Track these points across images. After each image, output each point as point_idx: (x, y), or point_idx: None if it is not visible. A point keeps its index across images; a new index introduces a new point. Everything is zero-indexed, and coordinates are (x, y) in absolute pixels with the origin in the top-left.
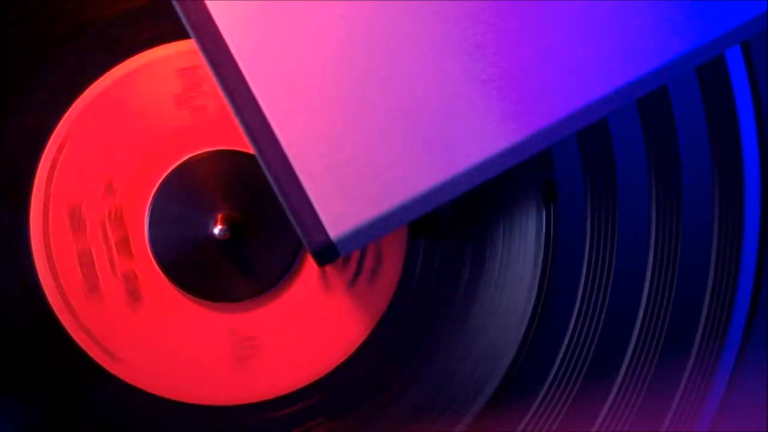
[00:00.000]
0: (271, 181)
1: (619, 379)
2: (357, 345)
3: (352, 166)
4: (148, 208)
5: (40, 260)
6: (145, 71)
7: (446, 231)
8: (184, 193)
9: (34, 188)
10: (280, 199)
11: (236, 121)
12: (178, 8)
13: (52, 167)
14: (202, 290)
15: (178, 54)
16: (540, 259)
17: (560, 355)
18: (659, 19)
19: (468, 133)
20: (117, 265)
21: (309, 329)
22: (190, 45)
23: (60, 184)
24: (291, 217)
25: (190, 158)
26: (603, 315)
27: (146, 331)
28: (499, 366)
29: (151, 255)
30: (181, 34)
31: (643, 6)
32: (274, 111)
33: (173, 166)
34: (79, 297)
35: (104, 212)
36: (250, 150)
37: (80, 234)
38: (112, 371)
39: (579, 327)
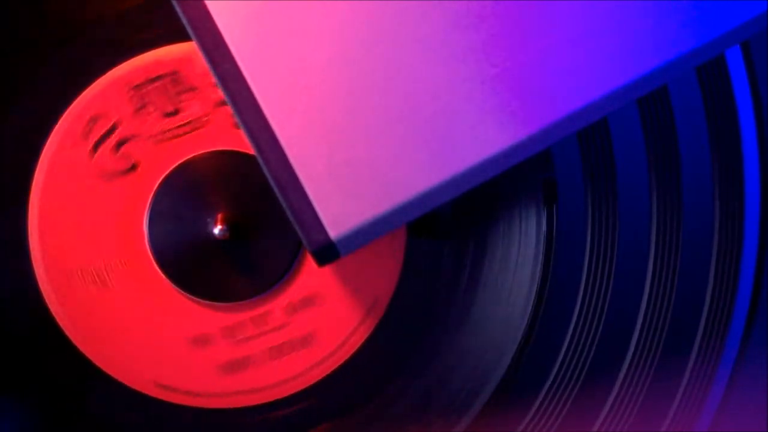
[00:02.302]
0: (271, 182)
1: (619, 379)
2: (357, 346)
3: (352, 167)
4: (148, 208)
5: (40, 261)
6: (145, 71)
7: (446, 231)
8: (184, 193)
9: (33, 188)
10: (280, 199)
11: (236, 121)
12: (178, 8)
13: (52, 167)
14: (202, 290)
15: (179, 55)
16: (540, 259)
17: (560, 355)
18: (659, 19)
19: (468, 133)
20: (117, 264)
21: (309, 329)
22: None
23: (60, 184)
24: (291, 217)
25: (190, 159)
26: (603, 315)
27: (146, 331)
28: (499, 366)
29: (151, 255)
30: (181, 35)
31: (643, 6)
32: (274, 111)
33: (173, 166)
34: (79, 297)
35: (104, 212)
36: (250, 150)
37: (81, 234)
38: (110, 372)
39: (579, 327)
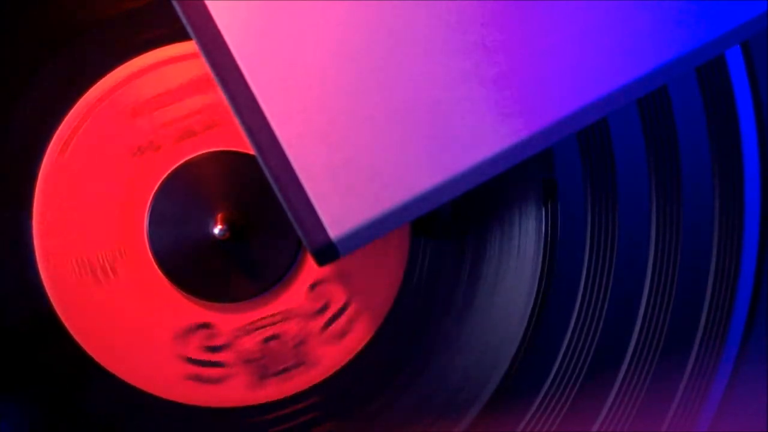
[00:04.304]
0: (271, 182)
1: (619, 379)
2: (358, 346)
3: (352, 166)
4: (148, 208)
5: (42, 261)
6: (146, 72)
7: (446, 231)
8: (184, 193)
9: (37, 188)
10: (280, 199)
11: (236, 121)
12: (178, 8)
13: (55, 167)
14: (202, 290)
15: (180, 55)
16: (540, 259)
17: (560, 355)
18: (659, 19)
19: (468, 133)
20: (117, 264)
21: (309, 329)
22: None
23: (62, 184)
24: (291, 217)
25: (190, 159)
26: (603, 315)
27: (145, 332)
28: (499, 366)
29: (151, 255)
30: (181, 35)
31: (643, 6)
32: (274, 111)
33: (173, 167)
34: (80, 295)
35: (105, 212)
36: (250, 150)
37: (81, 233)
38: (112, 371)
39: (579, 327)
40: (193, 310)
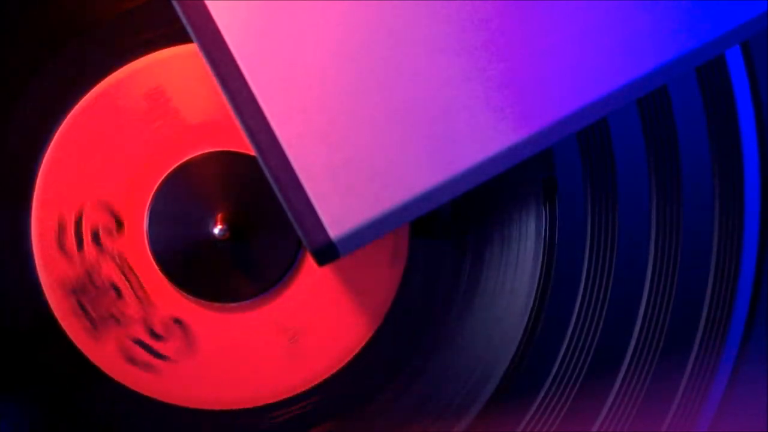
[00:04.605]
0: (271, 182)
1: (619, 379)
2: (358, 345)
3: (352, 166)
4: (148, 208)
5: (41, 261)
6: (145, 72)
7: (446, 231)
8: (184, 193)
9: (36, 189)
10: (280, 199)
11: (236, 121)
12: (178, 8)
13: (54, 168)
14: (202, 290)
15: (180, 55)
16: (540, 259)
17: (560, 355)
18: (659, 19)
19: (468, 133)
20: (116, 263)
21: (309, 330)
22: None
23: (61, 184)
24: (291, 217)
25: (190, 159)
26: (603, 315)
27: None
28: (499, 366)
29: (150, 255)
30: (180, 36)
31: (643, 6)
32: (274, 111)
33: (173, 167)
34: (79, 298)
35: (105, 212)
36: (250, 150)
37: (82, 234)
38: (110, 373)
39: (579, 327)
40: (193, 310)
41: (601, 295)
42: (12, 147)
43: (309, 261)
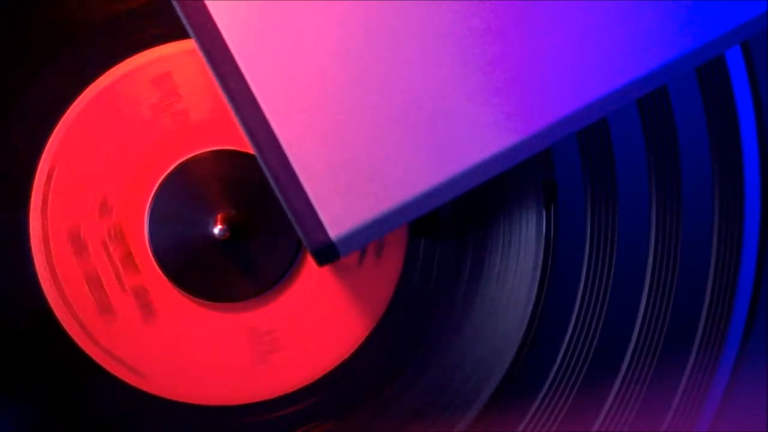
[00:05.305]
0: (271, 181)
1: (619, 379)
2: (357, 345)
3: (352, 167)
4: (148, 208)
5: (40, 261)
6: (144, 71)
7: (446, 231)
8: (183, 194)
9: (36, 189)
10: (280, 199)
11: (236, 121)
12: (178, 8)
13: (54, 167)
14: (202, 290)
15: (178, 54)
16: (540, 260)
17: (560, 355)
18: (659, 19)
19: (468, 133)
20: (116, 265)
21: (309, 329)
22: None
23: (61, 184)
24: (291, 217)
25: (190, 158)
26: (603, 315)
27: (143, 331)
28: (499, 366)
29: (150, 255)
30: (180, 35)
31: (643, 6)
32: (274, 111)
33: (173, 167)
34: (79, 298)
35: (104, 212)
36: (250, 150)
37: (82, 233)
38: (112, 371)
39: (579, 327)
40: (193, 310)
41: (601, 295)
42: (12, 146)
43: (309, 261)
